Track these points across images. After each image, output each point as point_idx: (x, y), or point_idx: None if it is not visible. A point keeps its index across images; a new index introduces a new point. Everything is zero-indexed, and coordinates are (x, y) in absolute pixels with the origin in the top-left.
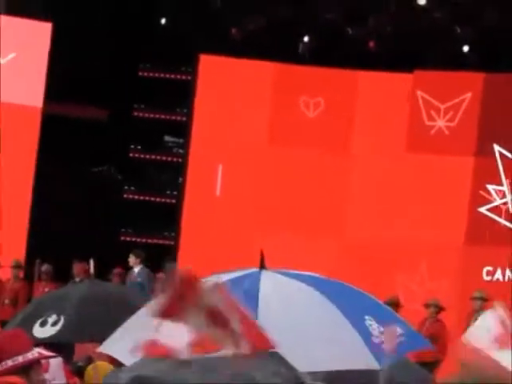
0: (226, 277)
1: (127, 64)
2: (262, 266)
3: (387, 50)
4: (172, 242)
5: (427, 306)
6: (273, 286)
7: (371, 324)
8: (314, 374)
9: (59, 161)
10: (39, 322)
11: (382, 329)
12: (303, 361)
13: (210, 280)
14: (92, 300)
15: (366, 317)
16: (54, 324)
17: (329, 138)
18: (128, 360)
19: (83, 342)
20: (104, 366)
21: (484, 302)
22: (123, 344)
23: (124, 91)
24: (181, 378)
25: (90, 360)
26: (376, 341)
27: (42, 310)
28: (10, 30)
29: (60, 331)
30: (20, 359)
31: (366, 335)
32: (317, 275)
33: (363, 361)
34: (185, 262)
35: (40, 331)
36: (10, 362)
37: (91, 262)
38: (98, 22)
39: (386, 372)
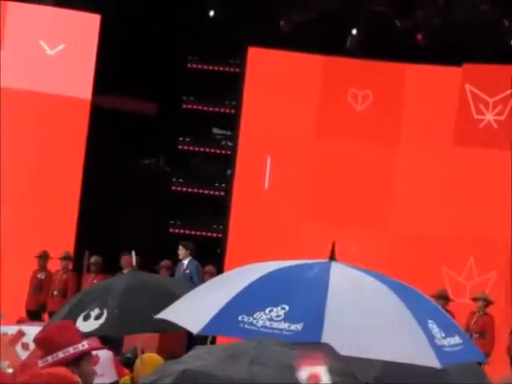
0: (292, 263)
1: (176, 56)
2: (332, 258)
3: (435, 43)
4: (220, 235)
5: (475, 299)
6: (343, 276)
7: (433, 328)
8: (372, 367)
9: (108, 153)
10: (83, 315)
11: (443, 334)
12: (367, 347)
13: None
14: (134, 292)
15: (429, 320)
16: (97, 318)
17: (376, 130)
18: (191, 324)
19: (126, 334)
20: (152, 358)
21: None
22: (186, 311)
23: (173, 83)
24: (229, 372)
25: (137, 352)
26: (438, 343)
27: (85, 303)
28: (58, 22)
29: (102, 325)
30: (71, 350)
31: (429, 336)
32: (384, 275)
33: (426, 358)
34: (233, 254)
35: (83, 325)
36: (61, 354)
37: (133, 254)
38: (147, 14)
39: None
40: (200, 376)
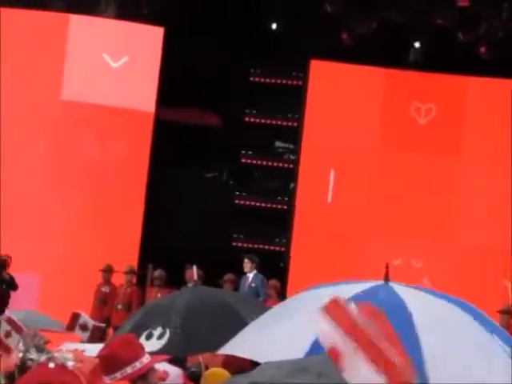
0: (347, 288)
1: (239, 69)
2: (387, 279)
3: (498, 56)
4: (283, 248)
5: None
6: (414, 298)
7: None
8: None
9: (171, 166)
10: (145, 334)
11: None
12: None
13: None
14: (196, 310)
15: (500, 342)
16: (160, 337)
17: (439, 143)
18: (260, 355)
19: (189, 355)
20: (219, 373)
21: None
22: (258, 343)
23: (236, 97)
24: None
25: (202, 367)
26: None
27: (148, 320)
28: (122, 35)
29: (165, 346)
30: (138, 365)
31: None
32: (442, 293)
33: None
34: (296, 268)
35: (146, 344)
36: (129, 369)
37: (195, 268)
38: (210, 27)
39: None
40: None
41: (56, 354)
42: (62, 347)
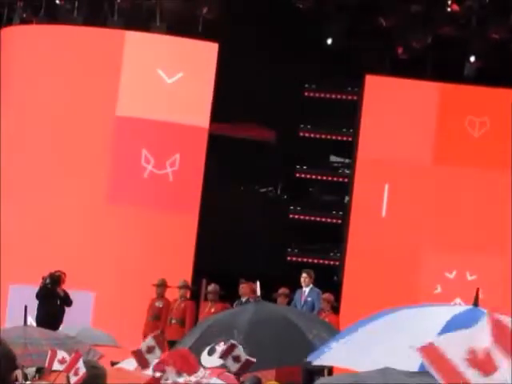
0: (442, 315)
1: (294, 84)
2: (476, 303)
3: None
4: (337, 262)
5: None
6: None
7: None
8: None
9: (226, 181)
10: (207, 349)
11: None
12: None
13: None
14: (258, 326)
15: None
16: None
17: (494, 157)
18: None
19: (252, 372)
20: None
21: None
22: (365, 355)
23: (290, 111)
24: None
25: (258, 381)
26: None
27: (211, 336)
28: (176, 51)
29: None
30: (193, 380)
31: None
32: None
33: None
34: (350, 282)
35: (208, 360)
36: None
37: (258, 284)
38: (265, 42)
39: None
40: None
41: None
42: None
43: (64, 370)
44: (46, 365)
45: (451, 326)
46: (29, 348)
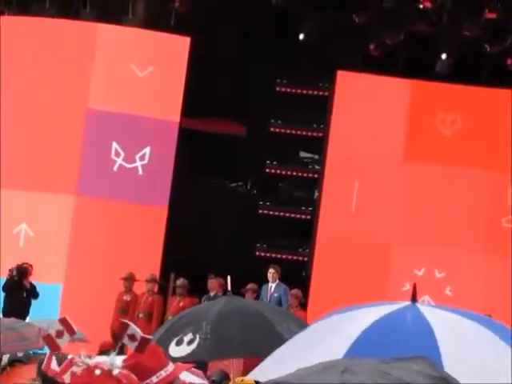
0: (376, 310)
1: (265, 79)
2: (414, 300)
3: None
4: (306, 258)
5: None
6: (441, 321)
7: None
8: None
9: (195, 175)
10: (175, 340)
11: None
12: None
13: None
14: (228, 317)
15: None
16: (190, 343)
17: (464, 154)
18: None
19: (217, 360)
20: (246, 382)
21: None
22: (283, 371)
23: (261, 106)
24: (321, 381)
25: (225, 375)
26: None
27: (180, 327)
28: (148, 44)
29: (195, 350)
30: (163, 374)
31: None
32: (470, 311)
33: None
34: (319, 278)
35: (176, 350)
36: (154, 379)
37: (228, 279)
38: (236, 37)
39: None
40: None
41: (103, 361)
42: (96, 359)
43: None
44: None
45: (374, 330)
46: None
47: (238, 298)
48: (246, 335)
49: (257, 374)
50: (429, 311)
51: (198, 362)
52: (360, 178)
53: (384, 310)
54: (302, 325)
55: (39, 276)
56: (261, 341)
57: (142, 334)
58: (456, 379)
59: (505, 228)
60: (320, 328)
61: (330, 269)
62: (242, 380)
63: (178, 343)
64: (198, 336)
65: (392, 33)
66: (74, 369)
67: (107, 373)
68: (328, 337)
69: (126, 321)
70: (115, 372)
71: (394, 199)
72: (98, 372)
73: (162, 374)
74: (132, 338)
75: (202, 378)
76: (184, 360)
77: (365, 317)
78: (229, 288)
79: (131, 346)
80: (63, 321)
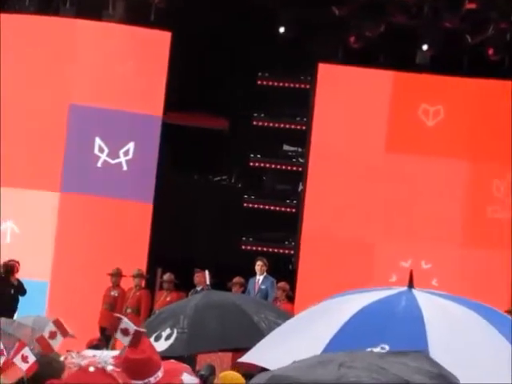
0: (370, 295)
1: (247, 73)
2: (411, 285)
3: (506, 58)
4: (292, 251)
5: None
6: (434, 308)
7: None
8: None
9: (179, 170)
10: (154, 336)
11: None
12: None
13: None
14: (204, 311)
15: None
16: (167, 338)
17: (447, 145)
18: (275, 366)
19: (195, 353)
20: (232, 376)
21: None
22: (274, 353)
23: (243, 100)
24: (317, 375)
25: (212, 369)
26: None
27: (159, 323)
28: (129, 39)
29: (172, 345)
30: (159, 374)
31: None
32: (467, 299)
33: None
34: (305, 271)
35: (155, 345)
36: (152, 380)
37: (207, 273)
38: (217, 31)
39: None
40: (287, 379)
41: (97, 359)
42: (85, 353)
43: (2, 365)
44: None
45: (364, 313)
46: None
47: (216, 292)
48: (222, 328)
49: (249, 356)
50: (424, 297)
51: (187, 357)
52: (343, 171)
53: (379, 294)
54: (281, 314)
55: (26, 273)
56: (238, 332)
57: (135, 328)
58: (455, 377)
59: (490, 219)
60: (313, 311)
61: (316, 262)
62: (228, 373)
63: (157, 339)
64: (175, 330)
65: (372, 25)
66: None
67: (101, 370)
68: (319, 319)
69: (118, 315)
70: (109, 368)
71: (378, 191)
72: (92, 369)
73: (158, 375)
74: (125, 332)
75: (189, 373)
76: (162, 355)
77: (358, 301)
78: (207, 282)
79: (124, 341)
80: (57, 322)
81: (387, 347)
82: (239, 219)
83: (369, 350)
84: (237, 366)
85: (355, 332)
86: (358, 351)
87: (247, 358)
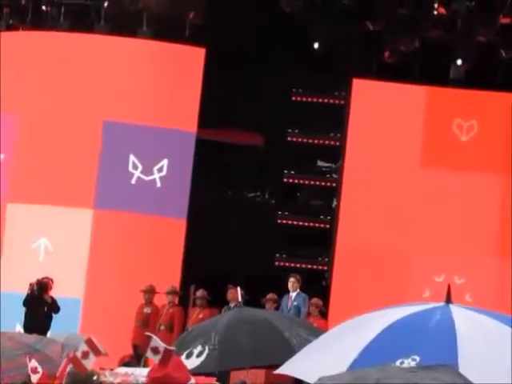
0: (403, 310)
1: (281, 89)
2: (449, 300)
3: None
4: (326, 267)
5: None
6: (467, 322)
7: None
8: None
9: (213, 186)
10: (185, 353)
11: None
12: None
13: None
14: (236, 327)
15: None
16: (199, 355)
17: (482, 161)
18: (313, 379)
19: (228, 370)
20: None
21: None
22: (308, 364)
23: (278, 116)
24: None
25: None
26: None
27: (190, 340)
28: (163, 56)
29: (203, 362)
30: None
31: None
32: (504, 314)
33: None
34: (338, 287)
35: (186, 363)
36: None
37: (239, 290)
38: (251, 47)
39: None
40: None
41: (129, 377)
42: (118, 370)
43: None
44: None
45: (396, 326)
46: (2, 364)
47: (247, 309)
48: (254, 344)
49: (282, 368)
50: (459, 311)
51: (220, 372)
52: (377, 186)
53: (414, 309)
54: (313, 331)
55: (59, 290)
56: (269, 349)
57: (165, 346)
58: None
59: None
60: (345, 325)
61: (349, 277)
62: None
63: (188, 356)
64: (206, 347)
65: (407, 39)
66: None
67: None
68: (351, 332)
69: (148, 333)
70: None
71: (412, 206)
72: None
73: None
74: (155, 350)
75: None
76: (193, 372)
77: (390, 315)
78: (239, 299)
79: (155, 359)
80: (89, 342)
81: (418, 359)
82: (273, 235)
83: (398, 362)
84: (270, 382)
85: (386, 345)
86: (387, 366)
87: (281, 369)
